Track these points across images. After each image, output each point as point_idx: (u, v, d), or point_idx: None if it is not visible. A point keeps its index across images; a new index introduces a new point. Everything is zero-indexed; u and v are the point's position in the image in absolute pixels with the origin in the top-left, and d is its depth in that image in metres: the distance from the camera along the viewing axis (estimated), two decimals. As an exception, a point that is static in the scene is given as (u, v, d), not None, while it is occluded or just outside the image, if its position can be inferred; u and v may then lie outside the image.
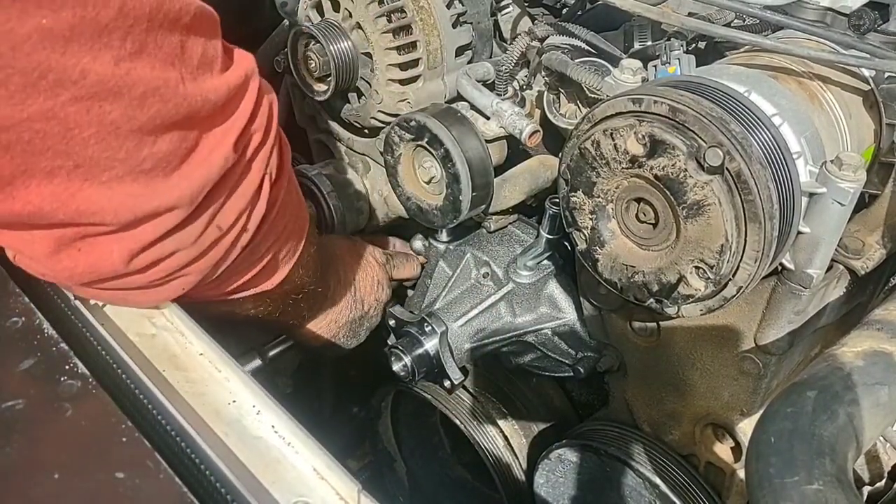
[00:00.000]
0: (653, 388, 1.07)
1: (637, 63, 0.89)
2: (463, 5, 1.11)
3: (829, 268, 0.84)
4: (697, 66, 0.89)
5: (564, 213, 0.83)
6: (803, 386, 0.62)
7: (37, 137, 0.56)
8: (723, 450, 1.05)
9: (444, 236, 1.24)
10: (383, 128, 1.14)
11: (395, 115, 1.08)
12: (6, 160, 0.56)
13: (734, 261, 0.72)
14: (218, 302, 0.86)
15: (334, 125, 1.26)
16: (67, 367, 0.65)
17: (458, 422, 1.25)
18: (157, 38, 0.60)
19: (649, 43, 1.07)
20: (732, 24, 1.07)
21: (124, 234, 0.64)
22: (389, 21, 1.05)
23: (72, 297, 0.74)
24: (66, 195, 0.59)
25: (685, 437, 1.07)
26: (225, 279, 0.80)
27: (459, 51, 1.11)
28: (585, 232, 0.81)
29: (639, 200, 0.77)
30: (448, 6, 1.08)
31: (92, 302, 0.75)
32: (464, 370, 1.15)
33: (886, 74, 0.84)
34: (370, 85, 1.10)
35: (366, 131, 1.21)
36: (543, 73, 1.07)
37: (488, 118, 1.05)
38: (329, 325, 1.11)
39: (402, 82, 1.08)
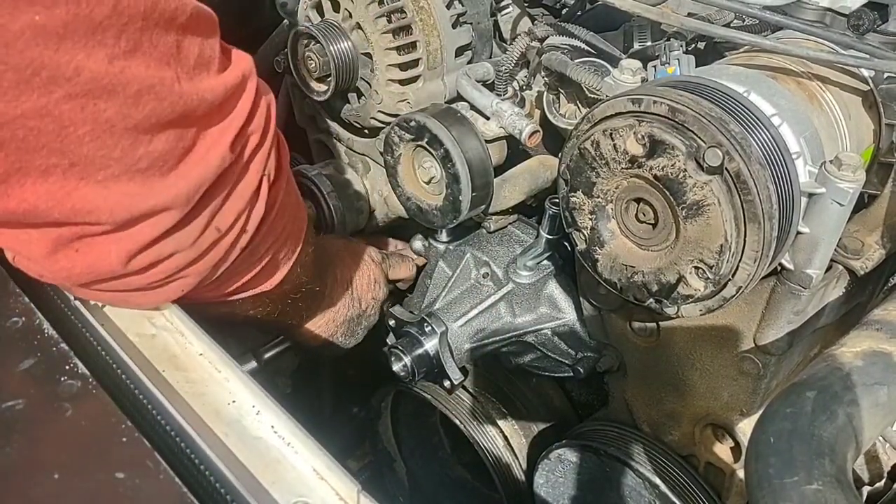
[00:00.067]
0: (652, 389, 1.07)
1: (636, 63, 0.89)
2: (463, 5, 1.11)
3: (829, 268, 0.84)
4: (697, 66, 0.89)
5: (564, 213, 0.83)
6: (803, 386, 0.62)
7: (31, 135, 0.56)
8: (722, 450, 1.05)
9: (443, 236, 1.24)
10: (383, 128, 1.14)
11: (395, 116, 1.09)
12: (0, 157, 0.56)
13: (733, 261, 0.72)
14: (217, 303, 0.86)
15: (334, 125, 1.26)
16: (67, 367, 0.65)
17: (457, 422, 1.25)
18: (152, 37, 0.59)
19: (649, 43, 1.07)
20: (732, 25, 1.07)
21: (121, 235, 0.64)
22: (389, 21, 1.05)
23: (72, 298, 0.74)
24: (61, 193, 0.59)
25: (685, 438, 1.07)
26: (224, 280, 0.80)
27: (459, 51, 1.11)
28: (585, 232, 0.81)
29: (638, 200, 0.77)
30: (448, 6, 1.09)
31: (92, 302, 0.75)
32: (464, 370, 1.15)
33: (886, 75, 0.84)
34: (370, 85, 1.10)
35: (366, 131, 1.21)
36: (543, 73, 1.07)
37: (488, 118, 1.05)
38: (327, 324, 1.11)
39: (402, 82, 1.08)
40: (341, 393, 1.64)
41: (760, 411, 0.73)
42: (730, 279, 0.74)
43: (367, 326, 1.21)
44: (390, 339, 1.21)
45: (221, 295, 0.84)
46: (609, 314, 1.04)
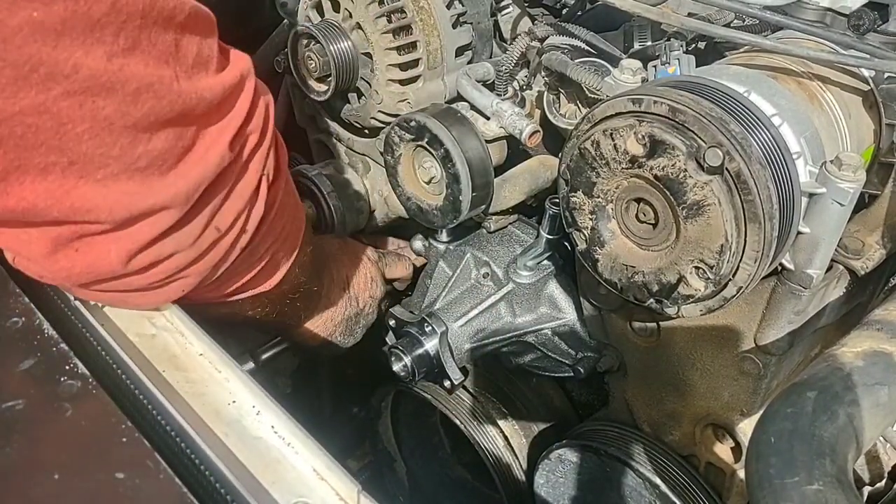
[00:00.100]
0: (653, 389, 1.07)
1: (637, 63, 0.89)
2: (463, 5, 1.11)
3: (829, 268, 0.84)
4: (697, 66, 0.89)
5: (564, 213, 0.83)
6: (803, 386, 0.62)
7: (29, 132, 0.56)
8: (723, 450, 1.05)
9: (444, 236, 1.24)
10: (383, 128, 1.14)
11: (395, 116, 1.08)
12: None
13: (734, 261, 0.72)
14: (216, 304, 0.86)
15: (334, 125, 1.26)
16: (67, 367, 0.65)
17: (458, 422, 1.25)
18: (150, 36, 0.59)
19: (649, 43, 1.07)
20: (732, 25, 1.07)
21: (121, 234, 0.64)
22: (389, 21, 1.05)
23: (72, 298, 0.74)
24: (60, 192, 0.59)
25: (685, 438, 1.07)
26: (224, 281, 0.80)
27: (459, 51, 1.11)
28: (585, 232, 0.81)
29: (639, 200, 0.77)
30: (448, 6, 1.08)
31: (92, 302, 0.75)
32: (464, 370, 1.15)
33: (886, 75, 0.84)
34: (370, 85, 1.10)
35: (366, 131, 1.21)
36: (543, 73, 1.07)
37: (488, 118, 1.05)
38: (325, 323, 1.11)
39: (402, 82, 1.08)
40: (341, 393, 1.64)
41: (761, 411, 0.73)
42: (730, 279, 0.74)
43: (365, 325, 1.21)
44: (390, 339, 1.21)
45: (221, 295, 0.84)
46: (609, 314, 1.04)
